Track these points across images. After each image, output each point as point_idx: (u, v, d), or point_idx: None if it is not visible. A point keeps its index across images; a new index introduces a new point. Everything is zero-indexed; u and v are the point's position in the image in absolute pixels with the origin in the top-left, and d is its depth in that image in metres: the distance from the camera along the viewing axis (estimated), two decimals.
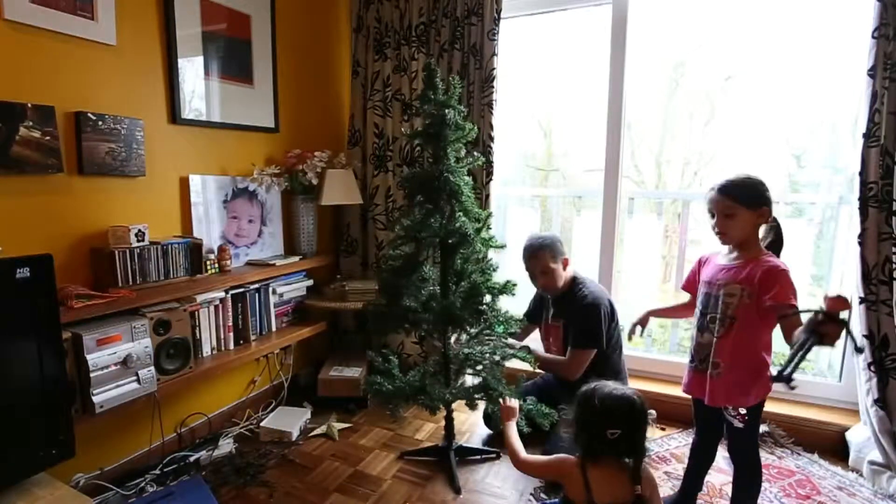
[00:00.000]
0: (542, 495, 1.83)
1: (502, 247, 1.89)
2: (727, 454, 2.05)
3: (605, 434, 1.22)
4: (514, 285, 1.83)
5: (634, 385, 2.42)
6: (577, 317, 2.09)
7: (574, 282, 2.15)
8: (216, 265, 2.12)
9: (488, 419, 2.26)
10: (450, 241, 1.80)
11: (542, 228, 3.08)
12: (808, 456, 2.06)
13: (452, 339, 1.99)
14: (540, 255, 2.10)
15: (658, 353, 2.69)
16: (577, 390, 2.09)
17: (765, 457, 2.05)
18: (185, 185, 2.08)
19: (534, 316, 2.34)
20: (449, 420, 2.03)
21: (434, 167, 1.80)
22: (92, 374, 1.58)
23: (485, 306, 1.84)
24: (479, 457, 2.06)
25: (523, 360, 2.00)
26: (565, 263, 2.13)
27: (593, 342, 2.05)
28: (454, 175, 1.77)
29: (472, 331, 1.95)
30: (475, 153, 1.94)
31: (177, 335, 1.87)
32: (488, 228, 1.89)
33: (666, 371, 2.52)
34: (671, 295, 2.97)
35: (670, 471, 1.97)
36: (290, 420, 2.27)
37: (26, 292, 1.31)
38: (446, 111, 1.77)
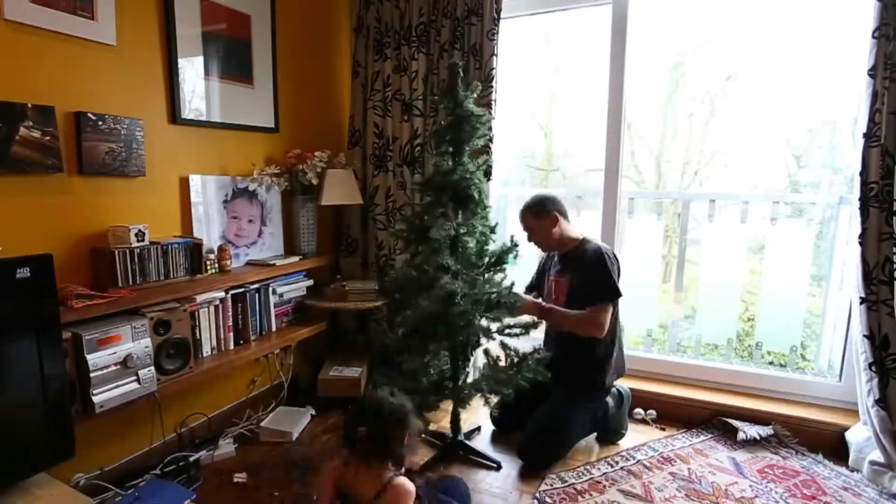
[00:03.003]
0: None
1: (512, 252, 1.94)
2: (731, 454, 2.07)
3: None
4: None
5: (635, 385, 2.43)
6: (586, 270, 2.05)
7: (583, 241, 2.13)
8: (216, 265, 2.12)
9: (495, 420, 2.27)
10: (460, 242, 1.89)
11: None
12: (813, 456, 2.05)
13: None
14: (524, 215, 2.14)
15: (658, 353, 2.69)
16: (572, 370, 2.09)
17: (769, 457, 2.06)
18: (185, 185, 2.07)
19: (536, 287, 2.33)
20: (455, 412, 2.06)
21: (452, 169, 1.86)
22: (92, 374, 1.58)
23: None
24: (480, 459, 2.05)
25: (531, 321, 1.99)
26: (554, 221, 2.09)
27: (612, 292, 2.01)
28: (469, 179, 1.84)
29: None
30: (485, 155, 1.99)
31: (177, 335, 1.87)
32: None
33: (666, 371, 2.52)
34: (671, 295, 2.97)
35: (675, 471, 1.96)
36: (290, 420, 2.27)
37: (26, 292, 1.31)
38: (464, 107, 1.83)
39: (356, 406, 1.50)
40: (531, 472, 1.96)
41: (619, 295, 2.03)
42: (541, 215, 2.10)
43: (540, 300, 2.14)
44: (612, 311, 2.05)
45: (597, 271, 2.02)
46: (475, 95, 1.87)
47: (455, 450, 2.08)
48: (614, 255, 2.09)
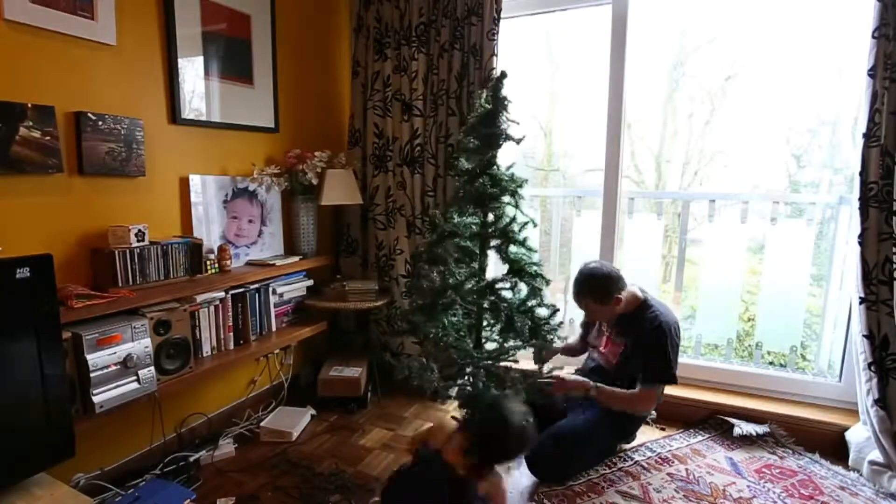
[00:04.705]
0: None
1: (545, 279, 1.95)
2: (729, 454, 2.07)
3: None
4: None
5: None
6: (646, 346, 1.95)
7: (644, 304, 2.01)
8: (216, 265, 2.12)
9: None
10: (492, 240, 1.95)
11: (543, 229, 3.08)
12: (810, 456, 2.06)
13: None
14: (585, 301, 2.02)
15: None
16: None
17: (766, 457, 2.06)
18: (185, 185, 2.08)
19: (589, 326, 2.26)
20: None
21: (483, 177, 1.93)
22: (92, 374, 1.58)
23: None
24: None
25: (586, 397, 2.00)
26: (618, 302, 1.98)
27: (669, 376, 1.93)
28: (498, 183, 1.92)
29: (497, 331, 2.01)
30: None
31: (177, 335, 1.87)
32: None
33: None
34: (671, 295, 2.97)
35: (673, 472, 1.96)
36: (290, 420, 2.27)
37: (26, 292, 1.31)
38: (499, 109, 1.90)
39: (490, 409, 1.53)
40: (541, 483, 1.91)
41: (675, 382, 1.94)
42: (605, 301, 1.98)
43: (587, 381, 2.00)
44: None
45: (657, 352, 1.92)
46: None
47: None
48: (677, 331, 1.99)
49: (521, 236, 1.95)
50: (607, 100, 2.45)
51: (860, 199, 1.90)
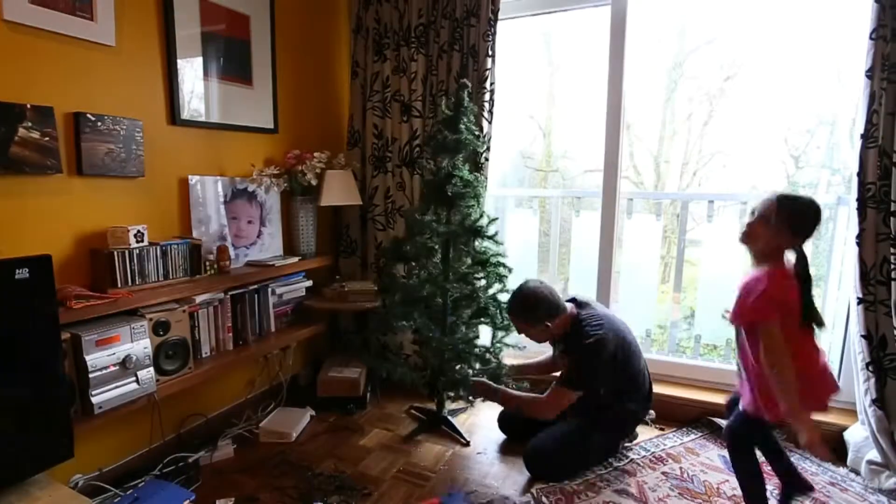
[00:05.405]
0: None
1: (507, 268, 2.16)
2: (722, 452, 2.07)
3: None
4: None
5: None
6: (578, 357, 1.95)
7: (577, 321, 1.97)
8: (215, 266, 2.12)
9: (503, 423, 2.27)
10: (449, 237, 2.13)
11: (542, 230, 3.08)
12: (800, 452, 2.07)
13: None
14: (514, 319, 2.05)
15: (657, 354, 2.69)
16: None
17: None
18: (184, 185, 2.08)
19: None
20: (440, 392, 2.29)
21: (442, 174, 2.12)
22: (91, 375, 1.58)
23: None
24: (454, 434, 2.23)
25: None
26: (545, 329, 1.97)
27: (579, 385, 1.92)
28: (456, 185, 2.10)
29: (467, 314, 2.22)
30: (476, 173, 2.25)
31: (176, 336, 1.87)
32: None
33: (665, 371, 2.53)
34: (670, 296, 2.98)
35: (667, 471, 1.97)
36: (289, 420, 2.27)
37: (25, 293, 1.31)
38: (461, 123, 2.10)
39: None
40: (537, 481, 1.91)
41: (584, 390, 1.92)
42: (533, 324, 1.98)
43: (488, 381, 2.12)
44: (631, 353, 1.99)
45: (584, 361, 1.92)
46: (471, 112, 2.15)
47: (436, 424, 2.30)
48: (621, 340, 1.95)
49: (490, 231, 2.14)
50: (606, 100, 2.45)
51: (858, 199, 1.90)
